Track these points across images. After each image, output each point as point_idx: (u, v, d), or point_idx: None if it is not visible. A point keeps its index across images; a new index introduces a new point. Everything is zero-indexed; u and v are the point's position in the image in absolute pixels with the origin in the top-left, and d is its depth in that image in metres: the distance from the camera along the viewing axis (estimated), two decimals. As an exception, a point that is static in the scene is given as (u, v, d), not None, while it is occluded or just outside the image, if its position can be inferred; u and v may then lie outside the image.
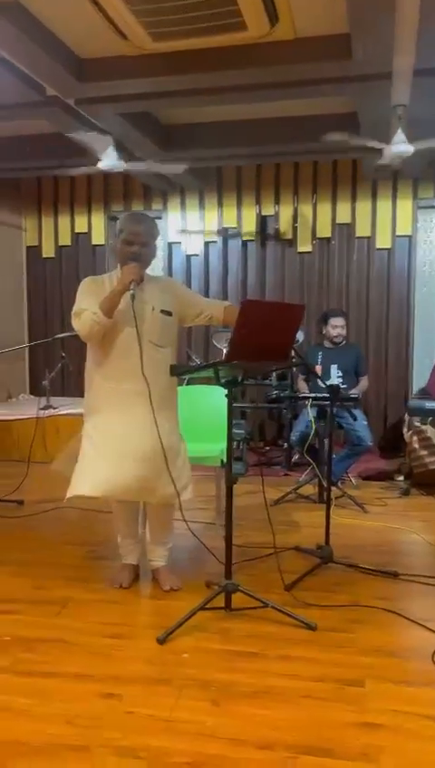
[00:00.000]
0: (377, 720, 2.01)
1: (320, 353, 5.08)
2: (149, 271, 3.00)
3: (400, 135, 4.53)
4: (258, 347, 2.53)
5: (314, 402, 4.43)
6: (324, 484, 4.41)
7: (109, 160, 4.94)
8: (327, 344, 5.14)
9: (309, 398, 4.44)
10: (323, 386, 3.58)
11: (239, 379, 2.72)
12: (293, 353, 2.95)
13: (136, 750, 1.88)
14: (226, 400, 2.69)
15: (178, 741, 1.92)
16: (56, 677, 2.26)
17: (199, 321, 3.12)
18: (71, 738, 1.93)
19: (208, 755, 1.85)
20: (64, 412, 5.96)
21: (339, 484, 4.62)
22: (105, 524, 3.98)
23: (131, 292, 2.76)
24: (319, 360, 5.03)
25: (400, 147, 4.52)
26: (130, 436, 2.84)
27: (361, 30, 3.26)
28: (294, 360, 2.81)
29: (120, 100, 4.19)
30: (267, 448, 6.35)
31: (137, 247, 2.87)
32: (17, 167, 6.10)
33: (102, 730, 1.97)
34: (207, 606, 2.63)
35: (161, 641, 2.49)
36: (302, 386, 5.15)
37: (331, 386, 3.43)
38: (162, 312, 2.93)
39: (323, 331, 5.14)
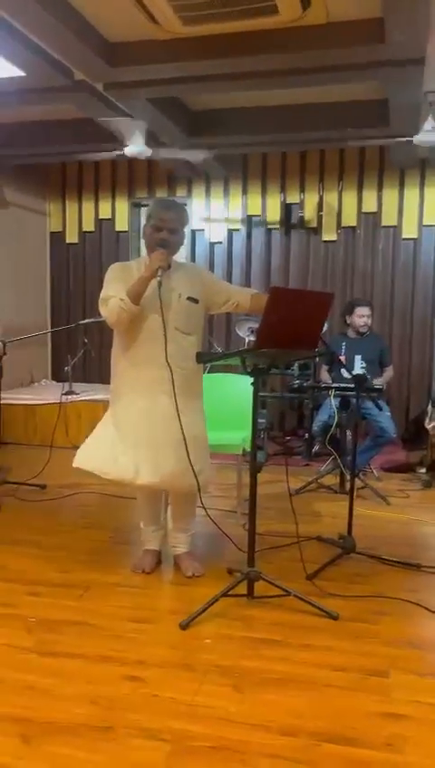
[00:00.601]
0: (401, 711, 2.01)
1: (344, 343, 5.04)
2: (175, 257, 2.99)
3: (430, 122, 4.46)
4: (286, 335, 2.52)
5: (337, 392, 4.41)
6: (347, 474, 4.40)
7: (135, 146, 4.92)
8: (351, 334, 5.10)
9: (333, 388, 4.41)
10: (349, 376, 3.55)
11: (266, 367, 2.70)
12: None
13: (160, 732, 1.89)
14: (247, 389, 2.68)
15: (201, 725, 1.93)
16: (80, 659, 2.29)
17: (226, 309, 3.10)
18: (95, 719, 1.95)
19: (231, 740, 1.86)
20: (86, 398, 5.99)
21: (361, 475, 4.60)
22: (126, 510, 4.01)
23: (159, 278, 2.75)
24: (343, 350, 4.99)
25: (430, 135, 4.45)
26: (154, 423, 2.85)
27: (395, 14, 3.19)
28: (319, 350, 2.78)
29: (150, 85, 4.16)
30: (287, 438, 6.33)
31: (165, 233, 2.86)
32: (43, 152, 6.09)
33: (126, 712, 1.99)
34: (229, 593, 2.64)
35: (184, 627, 2.51)
36: (324, 376, 5.12)
37: (356, 376, 3.40)
38: (188, 298, 2.92)
39: (348, 321, 5.10)
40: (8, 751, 1.80)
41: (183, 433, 2.73)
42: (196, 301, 2.95)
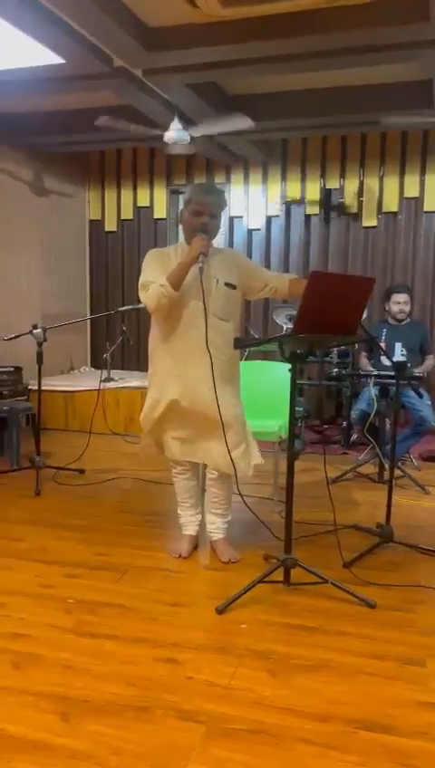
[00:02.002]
0: (438, 700, 1.98)
1: (384, 330, 4.97)
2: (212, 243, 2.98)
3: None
4: (325, 320, 2.48)
5: (377, 380, 4.35)
6: (385, 463, 4.35)
7: (174, 132, 4.90)
8: (391, 321, 5.02)
9: (373, 375, 4.36)
10: (390, 363, 3.49)
11: (304, 353, 2.67)
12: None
13: (195, 714, 1.91)
14: (285, 376, 2.66)
15: (236, 708, 1.94)
16: (117, 640, 2.32)
17: (263, 294, 3.07)
18: (132, 699, 1.98)
19: (267, 724, 1.87)
20: (124, 385, 6.04)
21: (400, 464, 4.54)
22: (162, 495, 4.04)
23: (200, 264, 2.74)
24: (383, 338, 4.92)
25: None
26: (192, 408, 2.87)
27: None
28: (359, 336, 2.74)
29: (189, 70, 4.14)
30: (325, 427, 6.29)
31: (206, 218, 2.84)
32: (81, 140, 6.13)
33: (162, 693, 2.01)
34: (265, 579, 2.64)
35: (220, 611, 2.52)
36: (364, 363, 5.05)
37: (396, 363, 3.34)
38: (226, 284, 2.91)
39: (387, 308, 5.02)
40: (48, 728, 1.84)
41: (220, 417, 2.74)
42: (233, 286, 2.93)
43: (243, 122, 4.67)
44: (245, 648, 2.27)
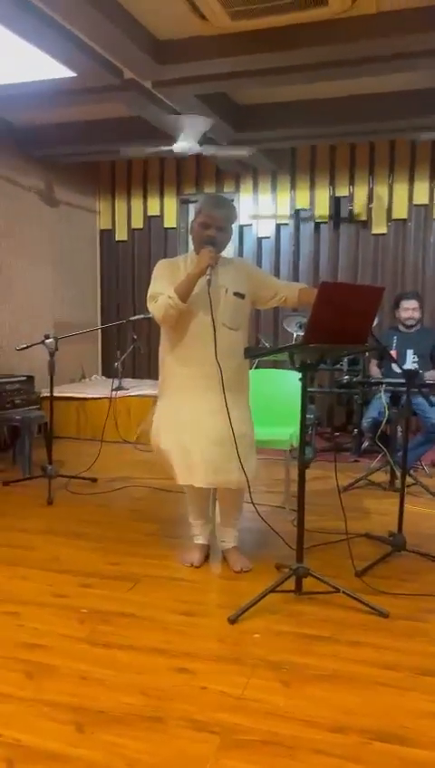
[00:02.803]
0: (453, 712, 1.97)
1: (395, 337, 4.97)
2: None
3: None
4: (336, 330, 2.49)
5: (388, 388, 4.34)
6: (397, 471, 4.34)
7: (183, 143, 4.93)
8: (402, 328, 5.02)
9: (384, 383, 4.35)
10: (400, 370, 3.50)
11: (315, 362, 2.68)
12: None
13: (209, 724, 1.91)
14: (295, 384, 2.67)
15: (250, 719, 1.94)
16: (131, 650, 2.32)
17: (273, 303, 3.08)
18: (146, 709, 1.98)
19: (281, 735, 1.86)
20: (135, 393, 6.07)
21: (411, 472, 4.53)
22: (174, 503, 4.05)
23: (208, 277, 2.76)
24: (394, 345, 4.92)
25: None
26: (200, 420, 2.87)
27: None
28: (370, 345, 2.74)
29: (198, 82, 4.18)
30: (336, 434, 6.28)
31: (213, 231, 2.86)
32: (92, 150, 6.18)
33: (176, 703, 2.01)
34: (277, 588, 2.64)
35: (233, 621, 2.52)
36: (374, 371, 5.05)
37: (407, 371, 3.34)
38: (235, 294, 2.92)
39: (396, 315, 5.03)
40: (63, 738, 1.84)
41: (232, 428, 2.75)
42: (242, 296, 2.95)
43: (246, 151, 4.73)
44: (258, 658, 2.27)
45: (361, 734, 1.87)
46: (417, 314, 4.96)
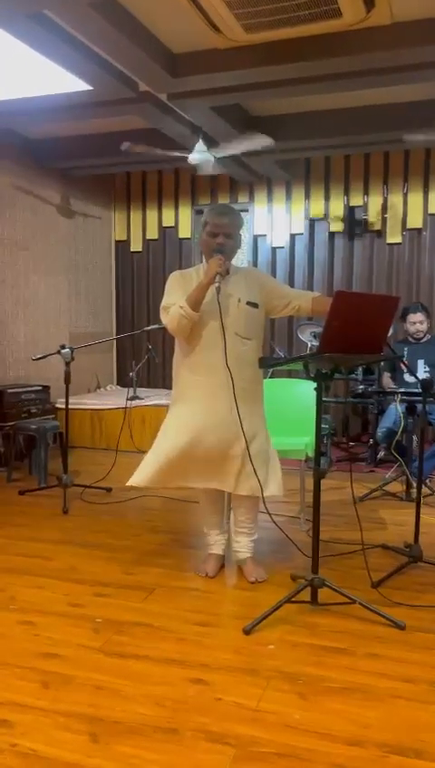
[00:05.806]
0: (472, 726, 1.95)
1: (405, 348, 4.95)
2: (233, 262, 3.00)
3: None
4: (350, 339, 2.49)
5: (403, 397, 4.32)
6: (413, 481, 4.31)
7: (198, 154, 4.97)
8: (411, 340, 5.01)
9: (399, 393, 4.33)
10: (415, 380, 3.48)
11: (329, 372, 2.68)
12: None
13: (224, 736, 1.90)
14: (310, 394, 2.66)
15: (266, 731, 1.92)
16: (146, 660, 2.32)
17: (287, 312, 3.07)
18: (162, 720, 1.97)
19: (297, 748, 1.85)
20: (150, 403, 6.09)
21: (428, 482, 4.50)
22: (189, 513, 4.05)
23: (217, 284, 2.77)
24: (405, 356, 4.90)
25: None
26: (211, 427, 2.87)
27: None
28: (383, 354, 2.73)
29: (212, 94, 4.21)
30: (352, 444, 6.25)
31: (221, 238, 2.87)
32: (107, 162, 6.24)
33: (191, 714, 2.00)
34: (292, 599, 2.62)
35: (247, 631, 2.51)
36: (386, 381, 5.03)
37: (423, 380, 3.32)
38: (248, 303, 2.93)
39: (404, 328, 5.02)
40: (79, 749, 1.84)
41: (245, 438, 2.75)
42: (255, 305, 2.95)
43: (263, 141, 4.72)
44: (273, 670, 2.26)
45: (378, 747, 1.85)
46: (424, 326, 4.96)
